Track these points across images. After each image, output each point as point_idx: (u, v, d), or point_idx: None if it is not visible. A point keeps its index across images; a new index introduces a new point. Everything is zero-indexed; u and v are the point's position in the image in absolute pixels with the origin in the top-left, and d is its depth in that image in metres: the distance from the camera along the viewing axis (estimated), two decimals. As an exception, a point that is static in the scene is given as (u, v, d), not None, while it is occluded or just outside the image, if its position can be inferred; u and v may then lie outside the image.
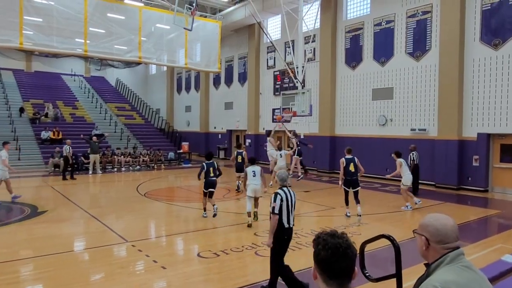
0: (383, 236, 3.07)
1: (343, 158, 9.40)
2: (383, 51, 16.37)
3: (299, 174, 14.56)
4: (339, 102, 18.36)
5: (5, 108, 23.60)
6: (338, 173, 18.11)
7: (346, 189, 9.43)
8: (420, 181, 13.26)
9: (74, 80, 32.00)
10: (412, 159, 12.61)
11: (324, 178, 16.98)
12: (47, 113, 23.81)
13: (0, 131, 20.64)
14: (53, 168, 17.89)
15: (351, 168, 9.29)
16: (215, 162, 9.92)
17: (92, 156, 18.07)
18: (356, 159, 9.37)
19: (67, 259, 6.32)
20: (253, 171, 9.20)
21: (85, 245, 7.37)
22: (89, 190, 14.54)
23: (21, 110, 23.63)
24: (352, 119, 17.82)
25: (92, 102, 28.48)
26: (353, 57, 17.67)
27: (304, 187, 14.24)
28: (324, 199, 11.89)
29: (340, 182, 9.53)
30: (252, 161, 9.65)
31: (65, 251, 6.70)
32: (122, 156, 20.28)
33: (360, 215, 9.30)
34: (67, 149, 15.94)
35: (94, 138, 18.52)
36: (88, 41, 11.73)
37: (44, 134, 20.78)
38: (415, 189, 12.78)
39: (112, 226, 8.32)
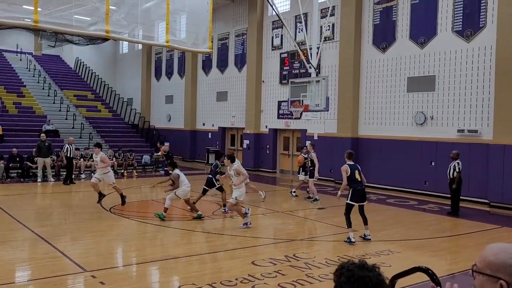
0: (418, 269, 3.02)
1: (346, 165, 9.53)
2: (423, 29, 16.37)
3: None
4: (364, 94, 18.36)
5: None
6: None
7: (352, 203, 9.42)
8: (465, 198, 13.21)
9: (21, 60, 31.98)
10: (457, 170, 12.48)
11: (344, 191, 16.92)
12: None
13: None
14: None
15: (357, 176, 9.49)
16: (217, 162, 12.79)
17: (40, 160, 18.00)
18: (359, 166, 9.75)
19: (6, 292, 6.26)
20: None
21: (30, 275, 7.30)
22: (37, 202, 14.49)
23: None
24: (381, 116, 17.81)
25: (43, 89, 28.47)
26: (384, 35, 17.68)
27: (317, 202, 14.20)
28: (343, 218, 11.83)
29: (339, 193, 9.73)
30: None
31: (3, 283, 6.64)
32: (82, 160, 20.23)
33: (369, 238, 9.44)
34: (66, 148, 17.85)
35: (43, 136, 18.46)
36: (39, 9, 11.68)
37: (-20, 130, 20.76)
38: (455, 209, 12.63)
39: (66, 251, 8.26)
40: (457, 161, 12.54)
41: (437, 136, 15.83)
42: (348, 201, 9.45)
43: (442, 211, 13.17)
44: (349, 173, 9.41)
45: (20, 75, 29.76)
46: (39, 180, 17.83)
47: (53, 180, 18.25)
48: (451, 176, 12.64)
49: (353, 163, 9.67)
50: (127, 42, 33.46)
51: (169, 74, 30.82)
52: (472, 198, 14.30)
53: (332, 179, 19.13)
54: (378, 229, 10.29)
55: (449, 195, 12.97)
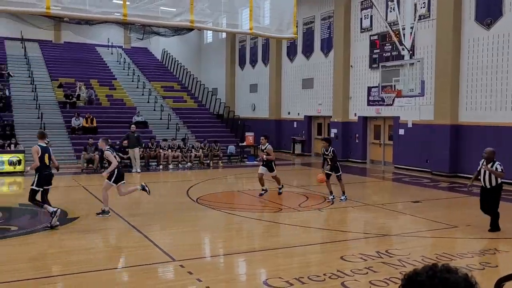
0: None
1: (37, 146, 9.48)
2: (536, 0, 15.03)
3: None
4: (466, 77, 17.27)
5: (30, 88, 25.86)
6: (463, 177, 17.10)
7: (37, 189, 9.39)
8: None
9: (112, 53, 34.07)
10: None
11: (443, 183, 16.17)
12: (79, 95, 25.66)
13: (25, 118, 22.66)
14: (85, 164, 19.23)
15: (46, 160, 9.45)
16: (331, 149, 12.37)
17: (129, 151, 19.01)
18: (50, 149, 9.83)
19: (102, 279, 6.73)
20: None
21: (123, 262, 7.80)
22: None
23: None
24: (485, 100, 16.68)
25: (133, 81, 30.12)
26: (488, 10, 16.47)
27: (412, 195, 13.69)
28: (442, 213, 11.32)
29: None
30: None
31: (99, 269, 7.15)
32: (170, 150, 21.13)
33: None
34: None
35: (133, 127, 19.50)
36: (128, 3, 12.33)
37: (75, 122, 22.40)
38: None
39: (156, 240, 8.70)
40: (498, 162, 9.20)
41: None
42: (33, 187, 9.36)
43: None
44: (39, 155, 9.30)
45: (112, 68, 31.74)
46: (133, 170, 18.80)
47: (139, 171, 19.15)
48: (492, 184, 9.17)
49: (45, 145, 9.69)
50: (211, 32, 34.36)
51: (253, 62, 31.17)
52: None
53: (428, 170, 18.31)
54: (485, 225, 9.59)
55: None
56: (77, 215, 10.70)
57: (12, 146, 18.91)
